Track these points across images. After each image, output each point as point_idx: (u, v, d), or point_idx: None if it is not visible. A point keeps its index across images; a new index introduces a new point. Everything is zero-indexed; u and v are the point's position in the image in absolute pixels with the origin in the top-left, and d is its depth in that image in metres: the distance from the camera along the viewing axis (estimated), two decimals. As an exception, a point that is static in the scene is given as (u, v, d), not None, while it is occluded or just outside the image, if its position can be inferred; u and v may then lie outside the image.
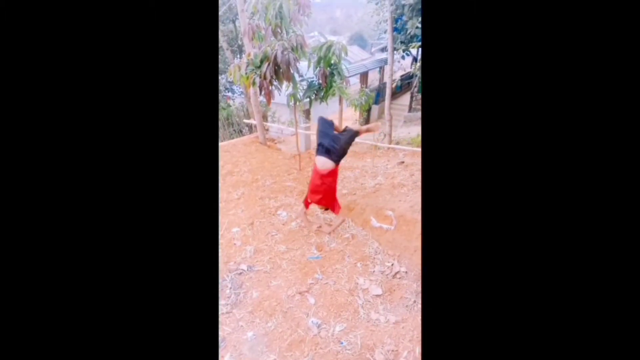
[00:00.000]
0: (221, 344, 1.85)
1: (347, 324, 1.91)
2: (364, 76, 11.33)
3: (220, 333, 1.92)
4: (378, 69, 11.83)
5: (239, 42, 8.04)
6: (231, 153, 5.03)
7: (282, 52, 2.77)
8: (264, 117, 6.41)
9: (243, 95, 7.51)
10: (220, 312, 2.08)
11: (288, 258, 2.53)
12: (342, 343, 1.79)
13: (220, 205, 3.49)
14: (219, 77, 8.67)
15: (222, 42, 7.40)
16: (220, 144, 5.74)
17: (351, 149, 5.83)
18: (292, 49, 2.84)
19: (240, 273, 2.39)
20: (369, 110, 7.82)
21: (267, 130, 5.97)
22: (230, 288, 2.27)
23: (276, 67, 2.87)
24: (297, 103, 3.49)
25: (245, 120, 6.73)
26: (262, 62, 2.91)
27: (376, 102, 9.76)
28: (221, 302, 2.17)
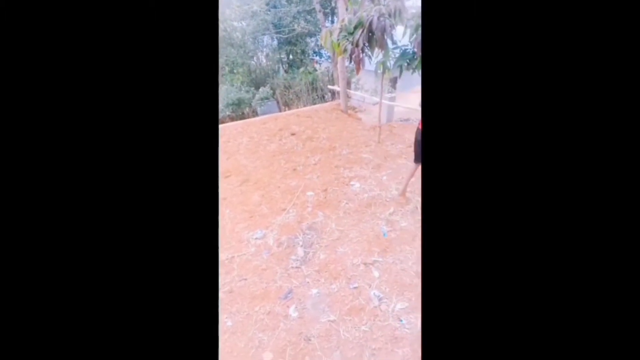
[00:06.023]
0: (288, 295, 2.05)
1: (410, 304, 1.93)
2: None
3: (288, 285, 2.13)
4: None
5: (332, 4, 7.83)
6: (312, 119, 5.16)
7: (379, 19, 2.63)
8: (348, 84, 6.31)
9: (330, 60, 7.45)
10: (290, 267, 2.29)
11: (357, 229, 2.59)
12: (401, 321, 1.82)
13: (298, 168, 3.68)
14: (309, 40, 8.69)
15: (315, 3, 7.30)
16: (302, 109, 5.91)
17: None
18: (390, 15, 2.67)
19: (311, 235, 2.55)
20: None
21: (350, 98, 5.90)
22: (302, 246, 2.45)
23: (370, 34, 2.75)
24: (386, 72, 3.34)
25: (330, 87, 6.74)
26: (355, 28, 2.82)
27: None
28: (291, 257, 2.37)
